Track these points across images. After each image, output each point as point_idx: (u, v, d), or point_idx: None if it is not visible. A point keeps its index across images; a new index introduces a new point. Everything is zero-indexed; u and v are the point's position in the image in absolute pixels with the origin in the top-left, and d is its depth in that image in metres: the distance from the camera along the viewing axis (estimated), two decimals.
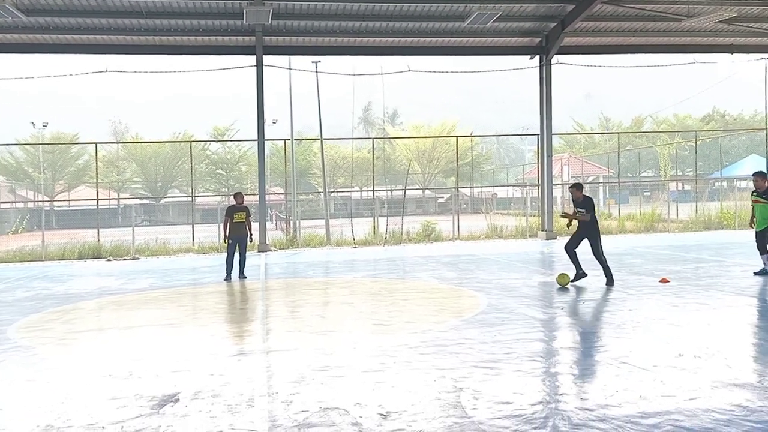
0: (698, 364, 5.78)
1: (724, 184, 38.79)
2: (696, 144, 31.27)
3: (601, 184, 44.66)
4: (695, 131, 36.59)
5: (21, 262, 19.06)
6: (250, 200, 30.21)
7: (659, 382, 5.28)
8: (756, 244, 11.20)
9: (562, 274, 10.86)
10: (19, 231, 29.90)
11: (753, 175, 11.60)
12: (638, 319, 7.83)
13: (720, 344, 6.48)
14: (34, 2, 17.09)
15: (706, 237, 20.44)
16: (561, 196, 36.09)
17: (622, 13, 19.22)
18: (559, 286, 10.63)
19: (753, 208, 11.42)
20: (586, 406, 4.74)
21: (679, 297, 9.34)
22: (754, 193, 11.33)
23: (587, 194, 11.15)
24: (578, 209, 10.96)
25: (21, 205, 44.10)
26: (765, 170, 12.32)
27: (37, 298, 11.36)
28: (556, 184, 28.73)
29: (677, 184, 44.52)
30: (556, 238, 20.90)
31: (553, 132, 21.91)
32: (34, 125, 52.29)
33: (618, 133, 41.44)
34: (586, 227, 10.83)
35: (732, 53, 22.14)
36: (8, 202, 41.30)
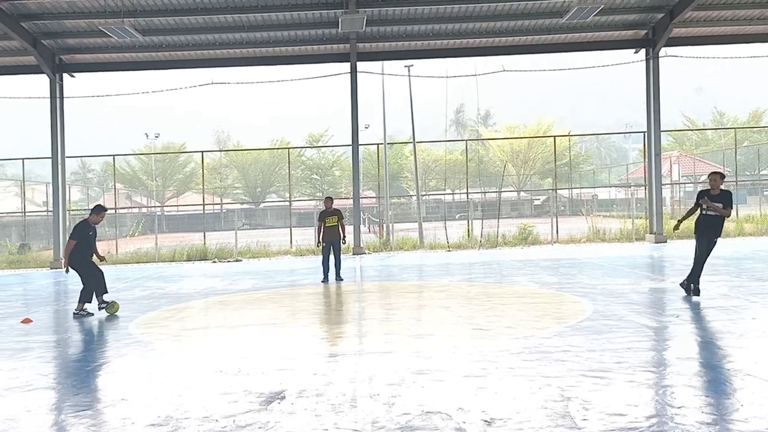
0: None
1: None
2: None
3: None
4: None
5: (137, 263, 20.42)
6: (344, 203, 30.71)
7: None
8: None
9: None
10: (135, 234, 31.95)
11: None
12: (763, 329, 7.22)
13: None
14: (149, 23, 18.24)
15: None
16: (670, 197, 34.25)
17: (737, 0, 17.94)
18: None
19: None
20: (707, 421, 4.38)
21: None
22: None
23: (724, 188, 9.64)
24: (713, 202, 9.48)
25: (136, 210, 47.10)
26: None
27: (153, 297, 12.06)
28: (665, 184, 27.32)
29: None
30: (666, 242, 19.80)
31: (661, 129, 20.77)
32: (147, 136, 55.81)
33: (734, 128, 38.85)
34: (716, 226, 9.52)
35: None
36: (125, 208, 44.22)
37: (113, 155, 26.91)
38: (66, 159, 20.80)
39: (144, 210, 48.65)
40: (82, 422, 4.89)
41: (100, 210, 10.50)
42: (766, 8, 18.36)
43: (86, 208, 33.30)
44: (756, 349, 6.32)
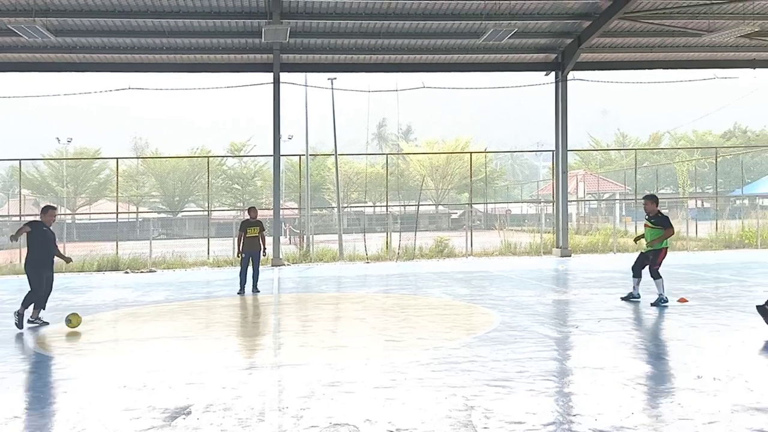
0: (718, 386, 5.67)
1: (746, 201, 38.34)
2: (716, 161, 30.92)
3: (617, 201, 44.36)
4: (716, 147, 36.20)
5: None
6: (265, 215, 30.41)
7: (677, 404, 5.19)
8: (650, 270, 10.54)
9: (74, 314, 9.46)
10: None
11: (643, 198, 11.11)
12: (655, 340, 7.73)
13: (741, 367, 6.36)
14: (62, 23, 17.49)
15: (727, 256, 20.17)
16: (576, 213, 35.89)
17: (640, 28, 19.15)
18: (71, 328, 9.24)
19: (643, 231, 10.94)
20: (600, 428, 4.68)
21: (698, 317, 9.22)
22: (646, 218, 10.89)
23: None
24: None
25: None
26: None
27: (58, 308, 11.45)
28: (571, 201, 28.62)
29: (696, 202, 44.06)
30: (570, 255, 20.75)
31: (568, 148, 21.81)
32: (59, 141, 53.24)
33: (635, 149, 41.21)
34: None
35: (754, 68, 21.87)
36: (32, 215, 41.93)
37: (20, 159, 25.47)
38: None
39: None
40: None
41: (47, 209, 9.91)
42: (666, 36, 19.67)
43: None
44: (648, 360, 6.78)
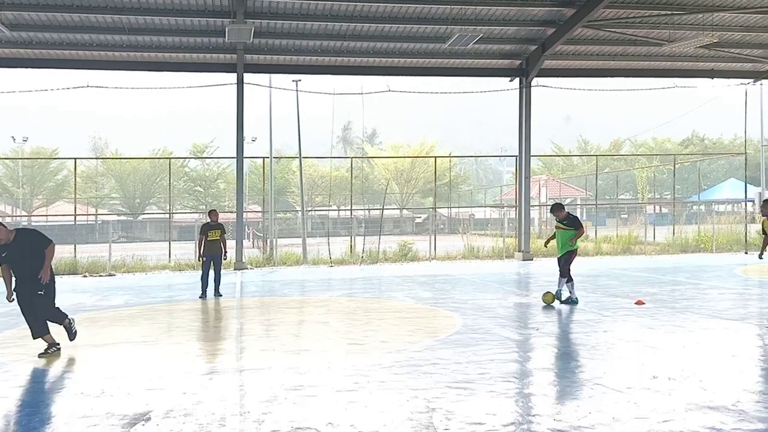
0: (673, 386, 5.83)
1: (702, 207, 39.42)
2: (674, 167, 31.71)
3: (579, 206, 45.16)
4: (674, 155, 37.18)
5: None
6: (227, 218, 30.06)
7: (633, 403, 5.31)
8: (559, 270, 11.10)
9: (548, 292, 11.00)
10: None
11: (551, 208, 11.68)
12: (613, 341, 7.89)
13: (695, 367, 6.54)
14: (18, 17, 16.98)
15: (683, 260, 20.70)
16: (538, 218, 36.42)
17: (603, 37, 19.55)
18: (544, 305, 10.78)
19: (555, 234, 11.43)
20: (559, 428, 4.76)
21: (655, 319, 9.44)
22: (557, 220, 11.39)
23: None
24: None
25: None
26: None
27: (11, 314, 11.01)
28: (533, 206, 29.02)
29: (655, 207, 45.14)
30: (532, 259, 21.03)
31: (531, 154, 22.13)
32: (14, 139, 51.58)
33: (596, 155, 41.99)
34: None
35: (712, 78, 22.55)
36: None
37: None
38: None
39: (8, 219, 44.97)
40: None
41: None
42: (628, 45, 20.13)
43: None
44: (606, 361, 6.91)
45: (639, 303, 10.90)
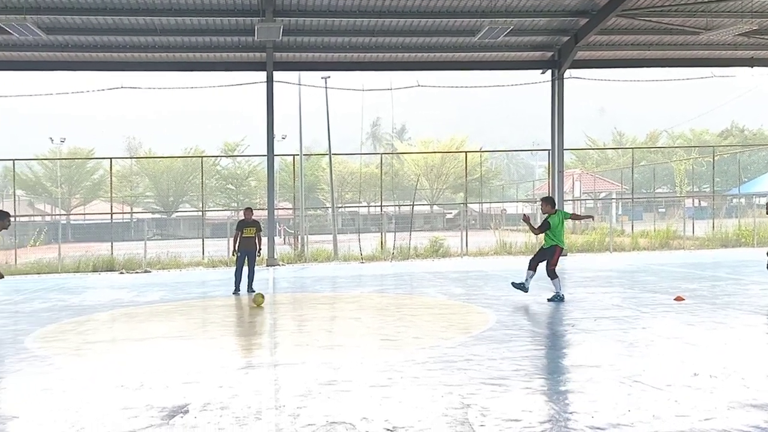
0: (714, 383, 5.67)
1: (743, 200, 38.46)
2: (713, 159, 30.95)
3: (614, 200, 44.45)
4: (713, 146, 36.31)
5: (38, 274, 19.31)
6: (259, 215, 30.30)
7: (673, 401, 5.19)
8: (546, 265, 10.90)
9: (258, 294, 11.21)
10: (37, 244, 30.21)
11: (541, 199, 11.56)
12: (652, 338, 7.73)
13: (737, 364, 6.36)
14: (54, 21, 17.41)
15: (723, 254, 20.18)
16: (572, 212, 35.87)
17: (638, 26, 19.16)
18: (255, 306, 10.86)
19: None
20: (597, 425, 4.67)
21: (695, 315, 9.22)
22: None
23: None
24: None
25: (39, 218, 44.51)
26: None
27: (54, 309, 11.49)
28: (567, 200, 28.65)
29: (693, 201, 44.18)
30: (566, 255, 20.75)
31: (564, 147, 21.81)
32: (52, 141, 53.01)
33: (632, 148, 41.25)
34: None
35: (752, 66, 21.88)
36: (27, 216, 41.73)
37: (14, 159, 25.41)
38: None
39: (47, 218, 46.09)
40: None
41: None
42: (664, 35, 19.68)
43: None
44: (645, 358, 6.77)
45: (678, 299, 10.66)
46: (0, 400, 5.86)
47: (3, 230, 9.83)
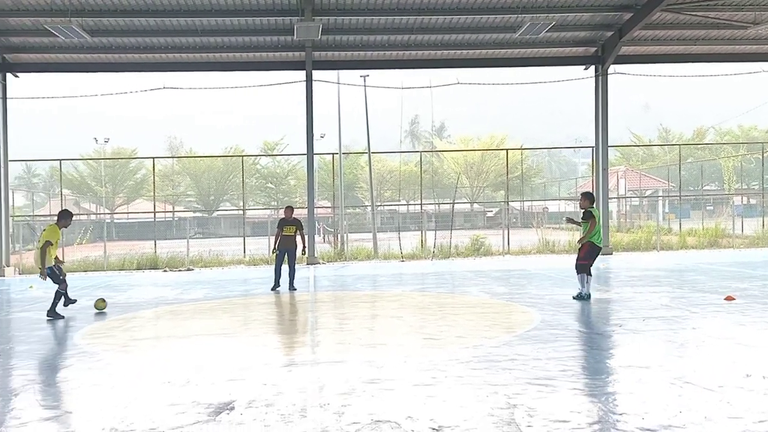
0: None
1: None
2: (762, 156, 29.98)
3: (661, 198, 43.45)
4: (761, 143, 35.20)
5: (85, 271, 19.82)
6: (299, 213, 30.49)
7: (726, 403, 5.03)
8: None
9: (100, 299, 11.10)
10: (83, 242, 31.00)
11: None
12: (702, 338, 7.51)
13: None
14: (98, 23, 17.79)
15: None
16: (617, 211, 35.27)
17: (684, 21, 18.68)
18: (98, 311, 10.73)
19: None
20: (648, 426, 4.54)
21: (746, 315, 8.93)
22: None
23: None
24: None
25: (84, 217, 45.63)
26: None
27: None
28: (611, 198, 28.09)
29: (742, 198, 42.87)
30: (612, 254, 20.36)
31: (609, 144, 21.39)
32: (96, 141, 54.46)
33: (679, 144, 40.22)
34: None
35: None
36: (73, 215, 42.83)
37: (60, 159, 26.10)
38: (9, 162, 20.06)
39: (93, 217, 47.29)
40: None
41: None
42: (711, 29, 19.15)
43: (31, 213, 32.09)
44: (695, 358, 6.58)
45: (729, 299, 10.34)
46: (52, 395, 6.01)
47: (63, 228, 10.66)
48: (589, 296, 10.60)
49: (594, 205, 10.97)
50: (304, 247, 13.57)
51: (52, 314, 10.22)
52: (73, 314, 10.63)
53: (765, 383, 5.52)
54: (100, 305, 10.87)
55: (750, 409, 4.84)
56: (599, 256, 11.12)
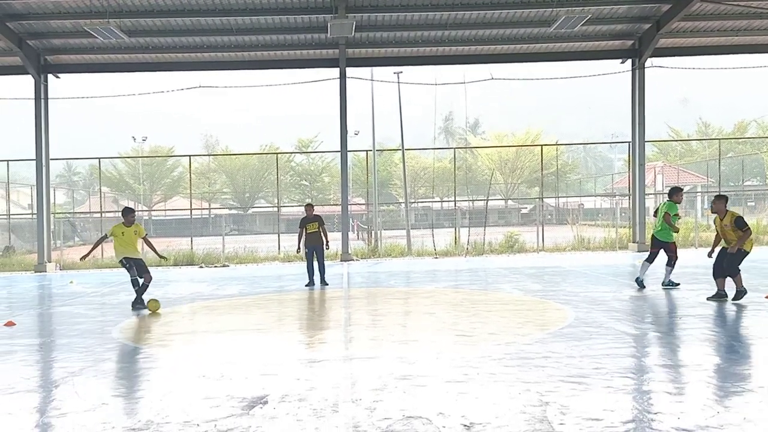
0: None
1: None
2: None
3: (699, 194, 42.45)
4: None
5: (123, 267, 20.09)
6: (333, 210, 30.61)
7: (765, 403, 4.91)
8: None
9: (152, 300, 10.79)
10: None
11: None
12: (740, 338, 7.33)
13: None
14: (135, 23, 18.18)
15: None
16: (654, 206, 34.56)
17: (724, 11, 18.20)
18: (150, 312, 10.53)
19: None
20: (684, 426, 4.47)
21: None
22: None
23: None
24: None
25: None
26: None
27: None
28: (648, 194, 27.58)
29: None
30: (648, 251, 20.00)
31: (646, 139, 21.00)
32: (134, 139, 55.54)
33: (719, 139, 39.28)
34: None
35: None
36: (112, 212, 43.85)
37: (99, 158, 26.66)
38: (51, 161, 20.60)
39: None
40: (63, 426, 4.89)
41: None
42: (753, 19, 18.63)
43: (72, 211, 32.90)
44: (733, 357, 6.43)
45: None
46: (90, 387, 6.15)
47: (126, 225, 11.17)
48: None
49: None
50: (327, 242, 13.66)
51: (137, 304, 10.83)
52: (111, 308, 10.89)
53: None
54: (154, 306, 10.75)
55: None
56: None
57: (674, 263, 11.37)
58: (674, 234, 11.39)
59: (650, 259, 11.56)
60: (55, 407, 5.39)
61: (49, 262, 19.90)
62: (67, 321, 9.94)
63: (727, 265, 9.76)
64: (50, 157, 20.49)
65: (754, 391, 5.22)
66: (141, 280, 10.97)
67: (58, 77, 20.61)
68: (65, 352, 7.67)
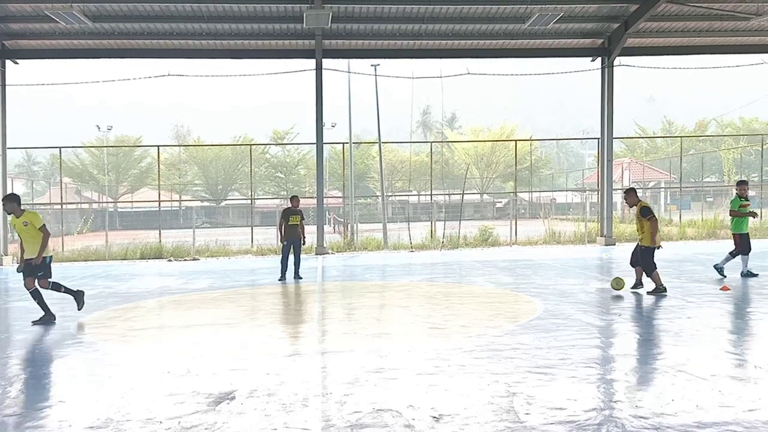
0: (760, 374, 5.61)
1: None
2: (762, 148, 29.88)
3: (663, 190, 43.37)
4: (762, 135, 35.06)
5: (85, 261, 19.65)
6: (308, 203, 30.55)
7: (717, 391, 5.15)
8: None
9: (618, 278, 10.64)
10: (84, 231, 30.61)
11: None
12: (697, 328, 7.60)
13: None
14: (100, 8, 17.50)
15: None
16: (621, 202, 35.16)
17: (688, 12, 18.65)
18: (616, 291, 10.43)
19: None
20: (640, 414, 4.66)
21: (742, 306, 9.06)
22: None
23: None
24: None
25: (86, 206, 45.37)
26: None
27: (100, 296, 11.67)
28: (616, 189, 28.07)
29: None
30: (615, 244, 20.40)
31: (614, 136, 21.38)
32: (99, 128, 53.92)
33: (681, 137, 40.10)
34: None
35: None
36: (74, 203, 42.88)
37: (60, 147, 25.79)
38: (8, 150, 19.78)
39: (95, 206, 47.10)
40: (18, 424, 4.79)
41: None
42: (714, 21, 19.13)
43: (31, 202, 32.18)
44: (689, 348, 6.67)
45: (724, 289, 10.46)
46: (47, 385, 6.05)
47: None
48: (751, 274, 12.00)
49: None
50: (304, 237, 13.68)
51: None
52: (72, 303, 10.69)
53: (757, 373, 5.64)
54: (619, 284, 10.36)
55: (741, 398, 4.95)
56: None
57: (736, 254, 12.19)
58: (750, 221, 12.49)
59: (737, 253, 12.26)
60: (8, 405, 5.28)
61: (6, 255, 19.27)
62: (25, 317, 9.51)
63: (642, 263, 10.41)
64: (7, 146, 19.68)
65: (706, 380, 5.46)
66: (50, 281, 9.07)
67: (16, 63, 19.68)
68: (21, 349, 7.48)
